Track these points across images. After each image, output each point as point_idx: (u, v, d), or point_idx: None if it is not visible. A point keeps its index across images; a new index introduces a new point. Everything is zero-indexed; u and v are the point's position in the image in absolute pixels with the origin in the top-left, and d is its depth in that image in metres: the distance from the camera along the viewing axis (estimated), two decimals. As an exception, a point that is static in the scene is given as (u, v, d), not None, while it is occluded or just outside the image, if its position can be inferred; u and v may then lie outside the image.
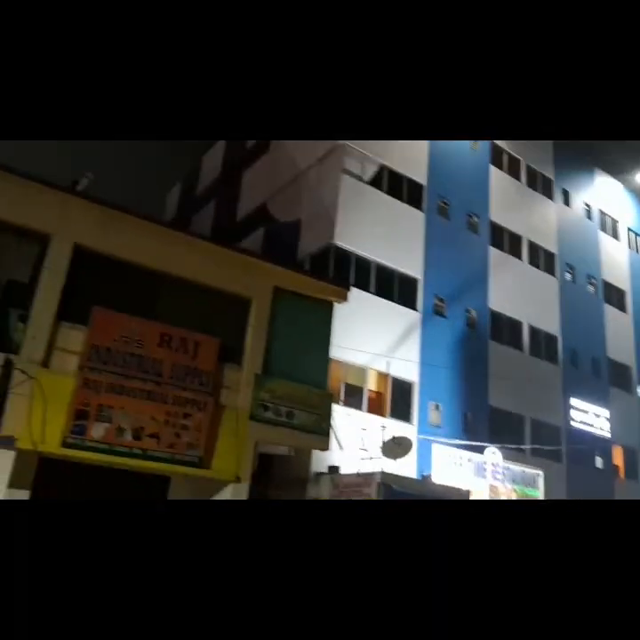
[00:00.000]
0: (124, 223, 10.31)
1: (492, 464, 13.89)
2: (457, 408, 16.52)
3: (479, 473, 13.69)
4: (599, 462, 19.97)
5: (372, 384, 15.50)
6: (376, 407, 15.65)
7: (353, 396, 15.19)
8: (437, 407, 16.20)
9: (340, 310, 15.07)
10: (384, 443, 12.14)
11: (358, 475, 11.06)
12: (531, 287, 20.03)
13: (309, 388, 11.56)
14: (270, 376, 11.19)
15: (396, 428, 14.80)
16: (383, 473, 10.70)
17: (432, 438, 14.98)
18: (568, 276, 21.53)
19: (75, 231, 9.86)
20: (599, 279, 22.68)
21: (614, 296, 23.15)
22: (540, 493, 14.54)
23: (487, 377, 17.69)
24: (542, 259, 20.95)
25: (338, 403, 14.23)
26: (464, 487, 12.21)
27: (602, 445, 20.15)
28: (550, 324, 20.21)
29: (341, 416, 13.41)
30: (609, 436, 20.32)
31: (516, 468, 14.68)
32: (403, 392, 15.92)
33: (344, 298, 12.48)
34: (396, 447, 11.76)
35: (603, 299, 22.54)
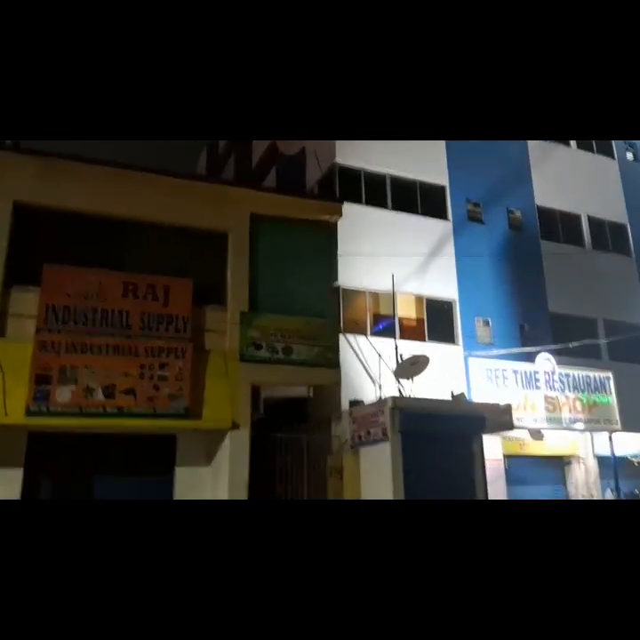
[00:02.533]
0: (65, 173, 9.49)
1: (546, 372, 12.08)
2: (511, 321, 14.67)
3: (530, 384, 11.95)
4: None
5: (404, 309, 14.01)
6: (414, 333, 14.20)
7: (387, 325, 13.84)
8: (487, 323, 14.46)
9: (353, 234, 13.77)
10: (398, 364, 10.75)
11: (372, 404, 9.82)
12: (585, 174, 17.46)
13: (308, 320, 10.39)
14: (259, 312, 10.11)
15: (438, 351, 13.32)
16: (395, 397, 9.40)
17: (481, 356, 13.31)
18: (629, 156, 18.64)
19: (10, 188, 9.14)
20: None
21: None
22: (611, 399, 12.60)
23: (543, 281, 15.63)
24: (595, 140, 18.23)
25: (366, 335, 12.99)
26: (508, 401, 10.64)
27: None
28: (615, 212, 17.59)
29: (370, 348, 12.14)
30: None
31: (579, 372, 12.75)
32: (442, 312, 14.31)
33: (337, 213, 11.09)
34: (410, 367, 10.36)
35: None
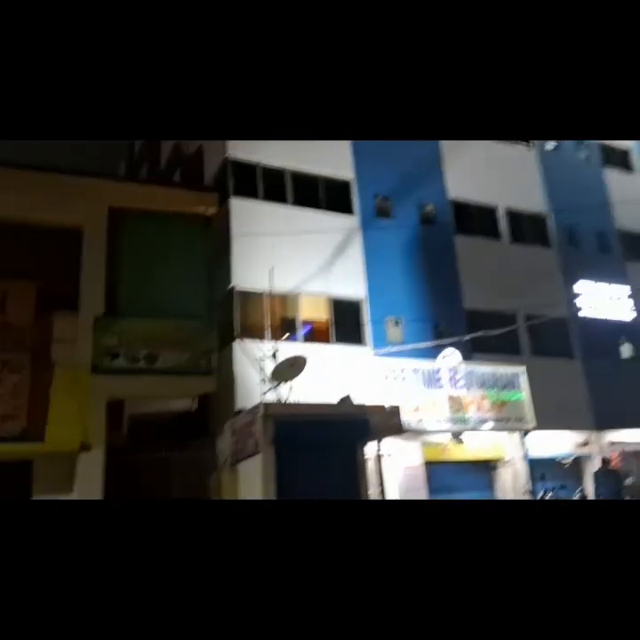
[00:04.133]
0: None
1: (449, 369, 11.21)
2: (424, 319, 13.82)
3: (431, 383, 11.05)
4: (627, 351, 16.81)
5: (309, 311, 13.04)
6: (319, 335, 13.24)
7: (290, 329, 12.85)
8: (398, 322, 13.58)
9: (249, 233, 12.77)
10: (275, 367, 9.72)
11: (247, 413, 8.77)
12: (501, 165, 16.86)
13: (179, 323, 9.29)
14: (119, 316, 8.96)
15: (344, 353, 12.37)
16: (267, 404, 8.36)
17: (382, 354, 12.37)
18: (549, 146, 18.16)
19: None
20: (592, 142, 19.14)
21: (615, 157, 19.58)
22: (523, 395, 11.80)
23: (457, 277, 14.87)
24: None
25: (263, 340, 11.97)
26: (408, 402, 9.73)
27: (629, 330, 16.96)
28: (534, 203, 17.03)
29: (272, 354, 11.08)
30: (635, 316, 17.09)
31: (487, 369, 11.91)
32: (349, 312, 13.39)
33: (211, 204, 10.05)
34: (288, 369, 9.35)
35: (599, 163, 19.04)
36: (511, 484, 13.35)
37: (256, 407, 8.42)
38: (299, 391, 10.29)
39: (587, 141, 18.87)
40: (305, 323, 12.89)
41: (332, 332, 13.01)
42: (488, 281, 15.03)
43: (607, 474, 10.70)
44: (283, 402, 8.86)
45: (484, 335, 12.38)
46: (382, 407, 8.70)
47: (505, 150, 17.22)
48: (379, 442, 9.56)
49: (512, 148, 17.43)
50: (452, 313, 14.20)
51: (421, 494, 12.41)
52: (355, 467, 8.36)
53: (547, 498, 11.40)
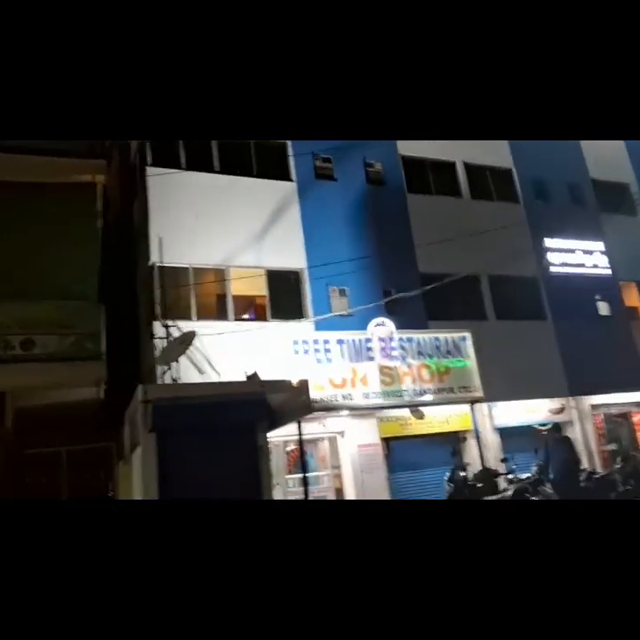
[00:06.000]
0: None
1: (381, 339, 10.11)
2: (373, 287, 12.72)
3: (360, 355, 9.96)
4: (604, 308, 15.60)
5: (240, 286, 12.03)
6: (257, 311, 12.25)
7: (222, 306, 11.88)
8: (343, 292, 12.50)
9: (170, 205, 11.78)
10: (164, 347, 8.73)
11: (135, 399, 7.80)
12: (458, 117, 15.59)
13: (62, 304, 8.32)
14: (-12, 300, 8.02)
15: (284, 330, 11.33)
16: (147, 387, 7.37)
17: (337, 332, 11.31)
18: (513, 94, 16.82)
19: None
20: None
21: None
22: (469, 362, 10.67)
23: (411, 240, 13.72)
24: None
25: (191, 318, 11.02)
26: (331, 376, 8.68)
27: (604, 287, 15.74)
28: (497, 156, 15.77)
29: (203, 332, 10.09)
30: (610, 273, 15.88)
31: (426, 336, 10.78)
32: (288, 285, 12.35)
33: (100, 172, 9.02)
34: (179, 347, 8.34)
35: (570, 110, 17.66)
36: (481, 456, 12.36)
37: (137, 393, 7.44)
38: (222, 374, 9.34)
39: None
40: (237, 298, 11.90)
41: (268, 307, 11.99)
42: (447, 242, 13.84)
43: (559, 441, 9.60)
44: (167, 383, 7.89)
45: (402, 296, 11.22)
46: (288, 383, 7.66)
47: (462, 102, 15.95)
48: (298, 423, 8.57)
49: (470, 98, 16.15)
50: (406, 277, 13.08)
51: (380, 473, 11.46)
52: (254, 452, 7.35)
53: (512, 469, 10.32)
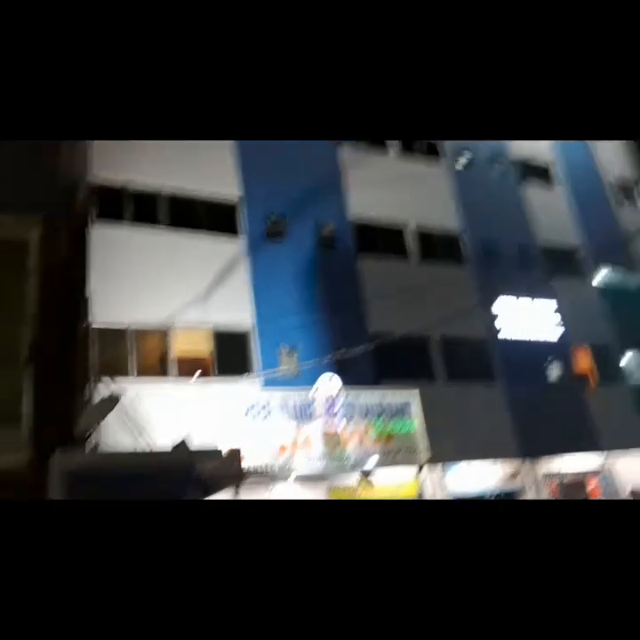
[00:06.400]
0: None
1: (327, 399, 9.81)
2: (322, 347, 12.49)
3: (303, 416, 9.62)
4: (555, 372, 15.67)
5: (185, 345, 11.65)
6: (202, 370, 11.84)
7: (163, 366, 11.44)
8: (291, 350, 12.23)
9: (111, 261, 11.47)
10: (87, 407, 8.26)
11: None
12: (408, 182, 15.88)
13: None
14: None
15: (226, 389, 10.92)
16: (64, 455, 6.84)
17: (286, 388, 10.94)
18: (462, 161, 17.33)
19: None
20: (507, 159, 18.36)
21: (534, 172, 18.86)
22: (415, 424, 10.42)
23: (359, 300, 13.67)
24: (420, 144, 16.87)
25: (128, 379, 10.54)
26: (274, 441, 8.25)
27: (555, 351, 15.85)
28: (445, 220, 16.06)
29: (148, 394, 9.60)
30: (561, 336, 16.02)
31: (371, 397, 10.52)
32: (235, 344, 12.03)
33: (34, 227, 8.72)
34: (100, 410, 7.85)
35: (517, 178, 18.26)
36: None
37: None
38: (158, 437, 8.85)
39: (501, 157, 18.11)
40: (181, 358, 11.49)
41: (214, 365, 11.61)
42: (396, 302, 13.80)
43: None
44: (86, 453, 7.38)
45: (350, 354, 11.01)
46: (218, 452, 7.23)
47: (413, 167, 16.33)
48: (235, 490, 8.09)
49: (421, 164, 16.55)
50: (355, 337, 12.90)
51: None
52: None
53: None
